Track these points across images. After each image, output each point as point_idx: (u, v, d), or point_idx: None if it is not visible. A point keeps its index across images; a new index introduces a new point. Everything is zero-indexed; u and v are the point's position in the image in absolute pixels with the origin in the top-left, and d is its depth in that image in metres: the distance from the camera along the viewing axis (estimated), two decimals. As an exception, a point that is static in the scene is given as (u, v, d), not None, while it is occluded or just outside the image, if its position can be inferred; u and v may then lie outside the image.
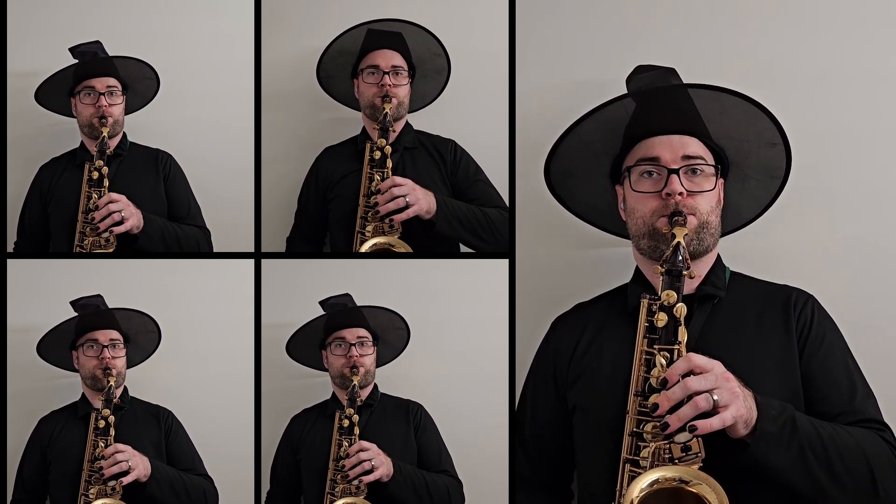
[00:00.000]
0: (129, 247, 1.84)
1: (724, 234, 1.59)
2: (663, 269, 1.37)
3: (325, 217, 1.95)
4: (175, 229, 1.91)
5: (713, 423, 1.24)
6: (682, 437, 1.27)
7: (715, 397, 1.24)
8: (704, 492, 1.27)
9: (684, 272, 1.36)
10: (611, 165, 1.60)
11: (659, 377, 1.32)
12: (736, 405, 1.25)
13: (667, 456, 1.31)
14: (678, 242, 1.38)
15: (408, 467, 1.79)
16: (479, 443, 1.91)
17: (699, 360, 1.29)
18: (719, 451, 1.30)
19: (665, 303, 1.35)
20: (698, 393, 1.25)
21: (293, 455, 1.89)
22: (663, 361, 1.34)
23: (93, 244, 1.83)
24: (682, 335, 1.35)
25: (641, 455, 1.33)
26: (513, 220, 1.87)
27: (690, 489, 1.28)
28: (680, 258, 1.37)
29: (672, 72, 1.59)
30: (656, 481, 1.29)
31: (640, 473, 1.32)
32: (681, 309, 1.34)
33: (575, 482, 1.67)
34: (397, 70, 1.88)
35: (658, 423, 1.30)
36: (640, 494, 1.28)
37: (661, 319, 1.35)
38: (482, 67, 1.96)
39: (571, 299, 1.70)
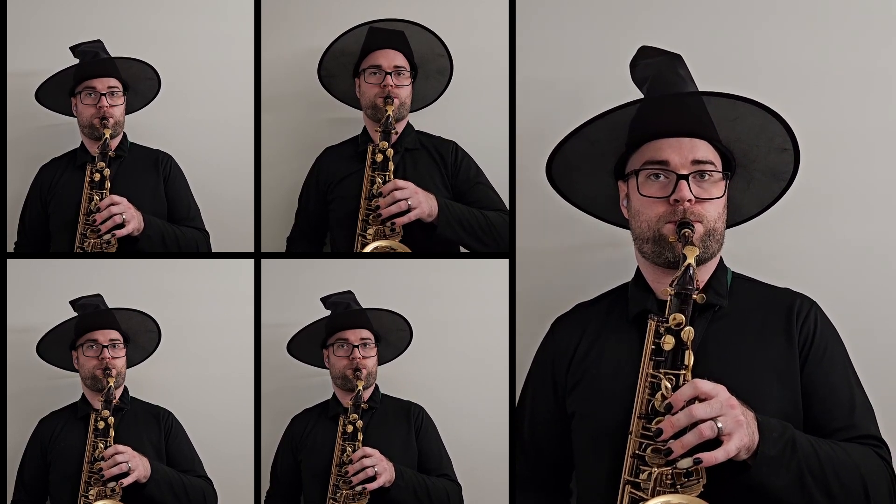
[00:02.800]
0: (130, 248, 1.84)
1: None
2: (672, 292, 1.35)
3: (326, 217, 1.95)
4: (175, 231, 1.91)
5: (717, 456, 1.23)
6: (685, 463, 1.27)
7: (719, 425, 1.24)
8: None
9: (693, 295, 1.34)
10: (615, 162, 1.57)
11: (663, 402, 1.31)
12: (739, 434, 1.25)
13: (668, 481, 1.31)
14: (689, 264, 1.36)
15: (409, 472, 1.79)
16: (479, 443, 1.92)
17: (705, 386, 1.28)
18: (719, 473, 1.29)
19: (672, 325, 1.34)
20: (703, 420, 1.25)
21: (293, 456, 1.89)
22: (668, 385, 1.32)
23: (94, 246, 1.83)
24: (689, 359, 1.33)
25: (642, 477, 1.33)
26: (513, 220, 1.87)
27: None
28: (689, 279, 1.35)
29: (678, 58, 1.56)
30: None
31: (640, 495, 1.32)
32: (688, 332, 1.33)
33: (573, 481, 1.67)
34: (399, 70, 1.87)
35: (661, 448, 1.29)
36: None
37: (668, 343, 1.33)
38: (482, 67, 1.96)
39: (571, 299, 1.70)
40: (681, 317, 1.33)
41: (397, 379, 1.95)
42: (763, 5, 1.86)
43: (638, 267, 1.58)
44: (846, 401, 1.42)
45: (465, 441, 1.92)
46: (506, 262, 1.86)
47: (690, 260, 1.36)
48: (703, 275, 1.50)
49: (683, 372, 1.33)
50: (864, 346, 1.57)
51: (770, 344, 1.45)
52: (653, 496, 1.30)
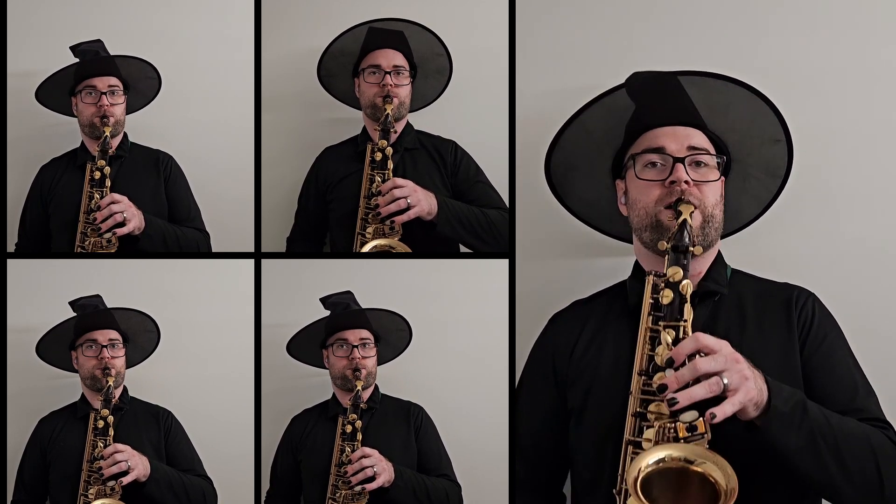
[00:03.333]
0: (130, 248, 1.84)
1: (724, 236, 1.59)
2: (668, 246, 1.35)
3: (326, 217, 1.95)
4: (176, 231, 1.91)
5: (726, 409, 1.20)
6: (689, 415, 1.22)
7: (725, 380, 1.21)
8: (710, 470, 1.22)
9: (691, 248, 1.34)
10: (613, 158, 1.58)
11: (664, 356, 1.28)
12: (746, 388, 1.22)
13: (671, 435, 1.27)
14: (684, 219, 1.36)
15: (408, 472, 1.79)
16: (479, 443, 1.91)
17: (707, 339, 1.25)
18: (727, 431, 1.26)
19: (671, 279, 1.33)
20: (707, 374, 1.22)
21: (293, 456, 1.89)
22: (669, 339, 1.30)
23: (94, 245, 1.82)
24: (689, 313, 1.32)
25: (645, 436, 1.30)
26: (513, 220, 1.87)
27: (696, 469, 1.23)
28: (686, 235, 1.34)
29: (672, 75, 1.57)
30: (662, 460, 1.24)
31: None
32: (687, 286, 1.32)
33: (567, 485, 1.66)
34: (399, 70, 1.87)
35: (665, 402, 1.24)
36: (647, 470, 1.24)
37: (667, 296, 1.32)
38: (482, 67, 1.96)
39: (571, 299, 1.70)
40: (679, 270, 1.33)
41: (397, 379, 1.95)
42: (765, 6, 1.86)
43: (636, 261, 1.59)
44: (848, 385, 1.42)
45: (465, 441, 1.92)
46: (506, 262, 1.86)
47: (686, 215, 1.37)
48: (702, 265, 1.51)
49: (683, 324, 1.31)
50: (867, 346, 1.56)
51: (770, 333, 1.46)
52: (650, 449, 1.27)
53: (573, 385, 1.55)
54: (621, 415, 1.39)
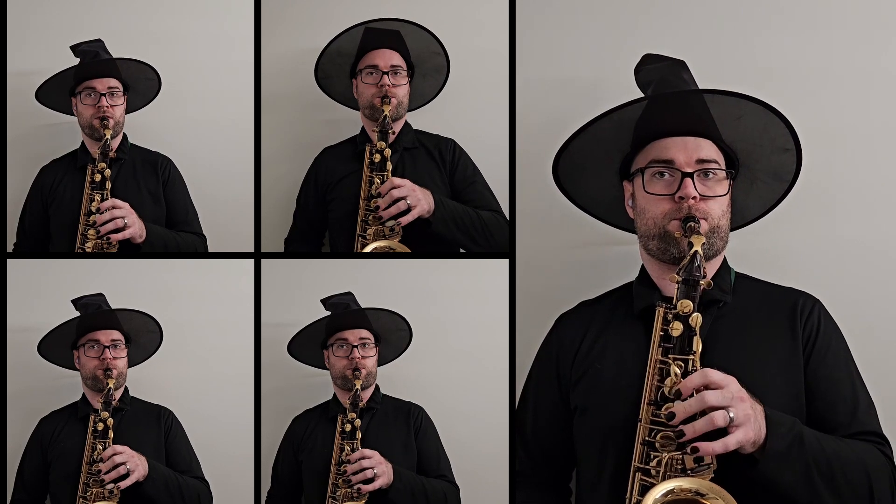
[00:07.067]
0: (132, 250, 1.85)
1: (726, 232, 1.59)
2: (680, 279, 1.36)
3: (325, 218, 1.95)
4: (175, 238, 1.91)
5: (715, 448, 1.24)
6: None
7: (731, 415, 1.25)
8: None
9: (701, 281, 1.35)
10: (621, 161, 1.58)
11: (672, 387, 1.32)
12: (746, 428, 1.25)
13: (679, 466, 1.31)
14: (696, 251, 1.37)
15: (408, 473, 1.79)
16: (478, 443, 1.92)
17: (715, 375, 1.28)
18: (730, 464, 1.30)
19: (680, 312, 1.34)
20: (713, 408, 1.25)
21: (294, 456, 1.89)
22: (678, 371, 1.33)
23: (94, 247, 1.82)
24: (697, 345, 1.34)
25: (652, 464, 1.33)
26: (513, 219, 1.87)
27: (705, 502, 1.28)
28: (697, 267, 1.35)
29: (682, 64, 1.58)
30: (671, 491, 1.29)
31: (650, 482, 1.32)
32: (696, 318, 1.34)
33: (574, 480, 1.67)
34: (396, 70, 1.87)
35: (671, 433, 1.30)
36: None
37: (677, 329, 1.34)
38: (482, 66, 1.96)
39: (572, 299, 1.70)
40: (689, 303, 1.34)
41: (397, 379, 1.95)
42: (765, 6, 1.85)
43: (643, 265, 1.59)
44: (849, 397, 1.43)
45: (464, 441, 1.92)
46: (506, 262, 1.85)
47: (697, 247, 1.38)
48: (708, 272, 1.49)
49: (692, 357, 1.34)
50: (867, 345, 1.58)
51: (774, 339, 1.46)
52: (663, 482, 1.31)
53: (576, 384, 1.56)
54: (623, 416, 1.41)
